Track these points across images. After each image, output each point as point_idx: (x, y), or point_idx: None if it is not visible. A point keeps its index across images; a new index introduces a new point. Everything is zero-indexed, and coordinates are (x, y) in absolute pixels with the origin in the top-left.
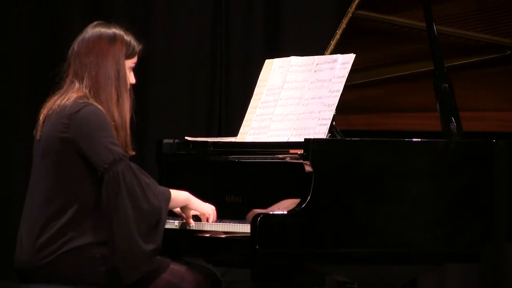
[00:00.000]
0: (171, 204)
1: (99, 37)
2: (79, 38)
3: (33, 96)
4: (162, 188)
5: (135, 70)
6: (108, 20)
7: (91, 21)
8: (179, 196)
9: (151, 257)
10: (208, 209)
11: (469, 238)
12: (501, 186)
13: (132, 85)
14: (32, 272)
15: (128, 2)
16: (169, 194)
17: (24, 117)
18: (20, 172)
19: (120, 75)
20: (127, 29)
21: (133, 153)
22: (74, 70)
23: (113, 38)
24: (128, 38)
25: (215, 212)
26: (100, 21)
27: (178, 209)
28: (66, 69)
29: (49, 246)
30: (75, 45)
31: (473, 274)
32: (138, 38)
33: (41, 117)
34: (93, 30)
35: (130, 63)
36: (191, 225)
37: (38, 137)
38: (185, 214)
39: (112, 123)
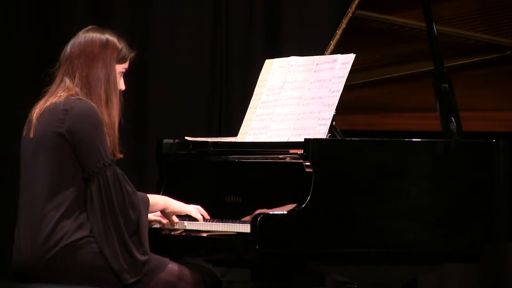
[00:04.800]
0: (151, 208)
1: (91, 41)
2: (72, 41)
3: (33, 96)
4: (141, 194)
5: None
6: (108, 21)
7: (92, 21)
8: (159, 201)
9: (143, 265)
10: (189, 208)
11: (469, 238)
12: (501, 186)
13: (121, 91)
14: (33, 269)
15: (128, 2)
16: (148, 199)
17: (24, 117)
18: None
19: (110, 79)
20: (120, 36)
21: (121, 156)
22: (64, 71)
23: (105, 43)
24: (120, 44)
25: (201, 209)
26: (93, 26)
27: (158, 213)
28: (56, 70)
29: (50, 239)
30: (68, 48)
31: (473, 274)
32: (131, 45)
33: (34, 117)
34: (86, 34)
35: (121, 68)
36: (175, 223)
37: (31, 135)
38: (167, 218)
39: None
